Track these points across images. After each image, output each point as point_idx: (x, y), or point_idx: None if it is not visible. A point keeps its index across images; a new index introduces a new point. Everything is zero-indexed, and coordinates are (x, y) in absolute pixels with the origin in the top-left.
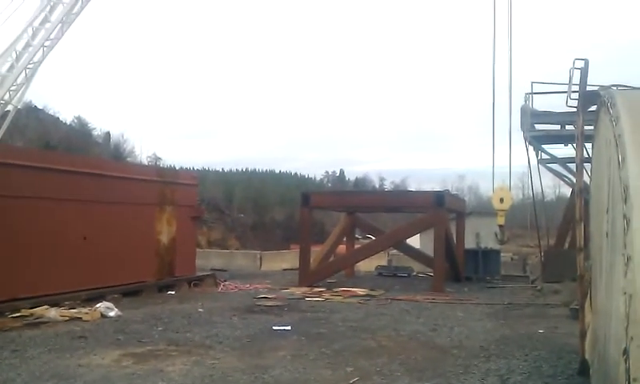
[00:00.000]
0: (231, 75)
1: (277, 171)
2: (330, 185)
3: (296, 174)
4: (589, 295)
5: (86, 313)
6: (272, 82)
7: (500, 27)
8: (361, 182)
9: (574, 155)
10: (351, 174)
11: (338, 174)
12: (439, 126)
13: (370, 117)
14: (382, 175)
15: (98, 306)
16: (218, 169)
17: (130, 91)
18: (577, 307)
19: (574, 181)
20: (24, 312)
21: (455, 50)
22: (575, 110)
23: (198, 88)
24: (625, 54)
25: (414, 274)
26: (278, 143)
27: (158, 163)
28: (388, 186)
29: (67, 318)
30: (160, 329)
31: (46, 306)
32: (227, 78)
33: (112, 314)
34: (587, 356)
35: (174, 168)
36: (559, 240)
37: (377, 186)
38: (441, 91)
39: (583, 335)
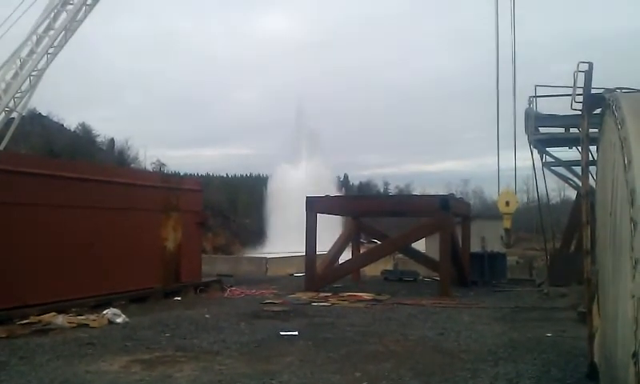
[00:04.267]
0: (234, 79)
1: None
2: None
3: None
4: (596, 298)
5: (94, 319)
6: (275, 84)
7: (503, 30)
8: (365, 187)
9: (579, 158)
10: (355, 179)
11: (342, 179)
12: (443, 130)
13: (374, 121)
14: (387, 180)
15: (105, 312)
16: (222, 174)
17: (133, 98)
18: (584, 310)
19: (579, 183)
20: (32, 319)
21: (459, 52)
22: (580, 112)
23: (201, 93)
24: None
25: (420, 278)
26: (282, 148)
27: (162, 169)
28: (392, 191)
29: (75, 325)
30: (167, 335)
31: (53, 313)
32: (230, 82)
33: (119, 320)
34: (596, 359)
35: (179, 174)
36: (565, 243)
37: (381, 190)
38: (445, 95)
39: (591, 338)
